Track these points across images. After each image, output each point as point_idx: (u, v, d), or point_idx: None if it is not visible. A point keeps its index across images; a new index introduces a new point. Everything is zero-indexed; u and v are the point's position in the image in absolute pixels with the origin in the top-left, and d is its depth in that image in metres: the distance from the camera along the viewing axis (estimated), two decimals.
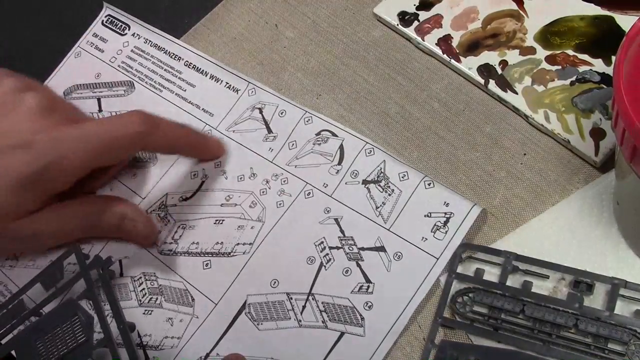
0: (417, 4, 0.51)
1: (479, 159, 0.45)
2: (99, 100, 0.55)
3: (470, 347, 0.39)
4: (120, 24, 0.58)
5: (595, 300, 0.38)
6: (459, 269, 0.40)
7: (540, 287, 0.39)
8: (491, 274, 0.40)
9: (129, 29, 0.57)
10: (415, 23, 0.50)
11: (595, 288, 0.38)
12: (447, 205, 0.42)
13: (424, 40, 0.49)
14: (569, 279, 0.38)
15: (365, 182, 0.45)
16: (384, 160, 0.45)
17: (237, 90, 0.51)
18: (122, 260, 0.48)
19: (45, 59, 0.59)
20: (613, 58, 0.44)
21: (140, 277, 0.47)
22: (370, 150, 0.46)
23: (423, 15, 0.50)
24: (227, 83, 0.52)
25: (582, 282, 0.38)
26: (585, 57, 0.45)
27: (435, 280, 0.40)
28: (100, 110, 0.55)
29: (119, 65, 0.56)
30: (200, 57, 0.54)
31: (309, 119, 0.48)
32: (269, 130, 0.49)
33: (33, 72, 0.60)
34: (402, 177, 0.44)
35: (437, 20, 0.49)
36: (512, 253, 0.39)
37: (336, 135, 0.47)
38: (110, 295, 0.40)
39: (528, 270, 0.39)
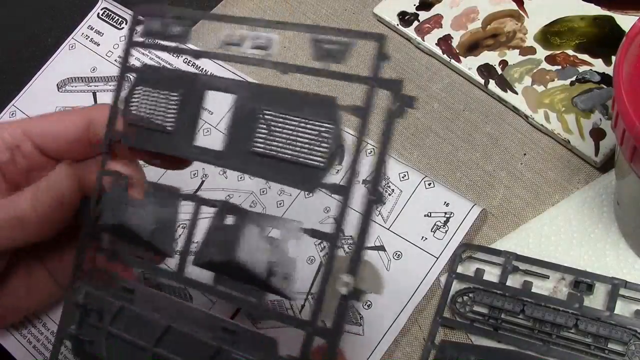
0: (417, 4, 0.51)
1: (479, 159, 0.45)
2: (94, 94, 0.55)
3: (470, 347, 0.39)
4: (117, 17, 0.57)
5: (595, 300, 0.38)
6: (459, 269, 0.40)
7: (541, 287, 0.39)
8: (491, 274, 0.40)
9: (125, 23, 0.57)
10: (415, 23, 0.50)
11: (595, 288, 0.38)
12: (447, 205, 0.42)
13: (424, 40, 0.49)
14: (569, 279, 0.38)
15: (365, 181, 0.45)
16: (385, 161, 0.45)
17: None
18: None
19: (39, 49, 0.59)
20: (613, 58, 0.44)
21: (139, 276, 0.47)
22: (371, 151, 0.46)
23: (423, 15, 0.50)
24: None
25: (582, 282, 0.38)
26: (585, 57, 0.45)
27: (434, 279, 0.40)
28: (95, 104, 0.55)
29: (115, 60, 0.56)
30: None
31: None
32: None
33: (26, 63, 0.60)
34: (403, 177, 0.44)
35: (437, 20, 0.49)
36: (512, 253, 0.39)
37: None
38: None
39: (528, 271, 0.39)
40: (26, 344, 0.47)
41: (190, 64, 0.53)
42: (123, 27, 0.57)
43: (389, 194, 0.44)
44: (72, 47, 0.57)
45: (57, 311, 0.48)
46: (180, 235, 0.33)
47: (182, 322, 0.30)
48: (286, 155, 0.29)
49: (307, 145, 0.29)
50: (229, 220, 0.31)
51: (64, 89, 0.56)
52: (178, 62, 0.53)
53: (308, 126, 0.29)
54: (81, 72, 0.56)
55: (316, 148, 0.29)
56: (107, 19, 0.57)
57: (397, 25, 0.50)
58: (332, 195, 0.31)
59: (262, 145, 0.29)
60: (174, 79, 0.33)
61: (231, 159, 0.30)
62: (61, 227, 0.35)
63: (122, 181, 0.33)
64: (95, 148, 0.36)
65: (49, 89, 0.57)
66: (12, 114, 0.57)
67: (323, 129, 0.29)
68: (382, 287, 0.31)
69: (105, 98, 0.54)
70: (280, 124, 0.29)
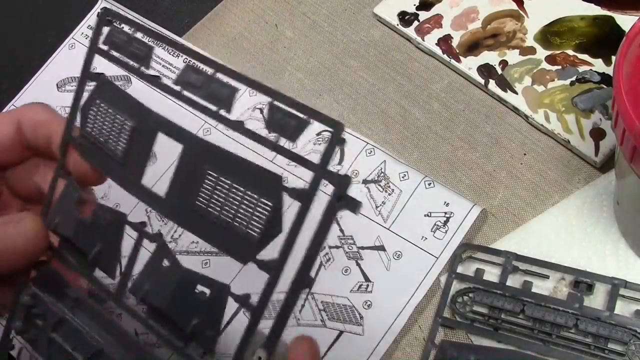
0: (417, 4, 0.51)
1: (479, 159, 0.45)
2: None
3: (470, 347, 0.39)
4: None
5: (596, 300, 0.38)
6: (459, 269, 0.40)
7: (541, 287, 0.39)
8: (491, 274, 0.40)
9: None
10: (415, 23, 0.50)
11: (595, 288, 0.38)
12: (447, 205, 0.42)
13: (424, 40, 0.49)
14: (569, 279, 0.38)
15: (365, 181, 0.45)
16: (385, 161, 0.45)
17: (237, 90, 0.51)
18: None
19: (38, 49, 0.59)
20: (613, 58, 0.44)
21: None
22: (371, 151, 0.46)
23: (423, 15, 0.50)
24: (227, 82, 0.52)
25: (582, 282, 0.38)
26: (585, 57, 0.45)
27: (434, 279, 0.40)
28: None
29: (115, 59, 0.55)
30: (199, 54, 0.53)
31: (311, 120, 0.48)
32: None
33: (25, 62, 0.60)
34: (403, 177, 0.44)
35: (437, 20, 0.49)
36: (512, 253, 0.39)
37: None
38: None
39: (528, 270, 0.39)
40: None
41: (190, 64, 0.53)
42: (123, 27, 0.56)
43: (389, 194, 0.44)
44: (71, 46, 0.57)
45: None
46: (122, 258, 0.33)
47: (114, 347, 0.32)
48: (224, 222, 0.29)
49: (245, 217, 0.29)
50: (165, 263, 0.31)
51: (63, 88, 0.56)
52: (178, 62, 0.53)
53: (248, 199, 0.29)
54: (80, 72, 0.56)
55: (253, 222, 0.29)
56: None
57: (397, 25, 0.50)
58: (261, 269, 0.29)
59: (203, 206, 0.30)
60: (131, 106, 0.33)
61: (173, 212, 0.31)
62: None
63: (73, 190, 0.33)
64: (25, 152, 0.35)
65: (48, 89, 0.57)
66: None
67: (262, 205, 0.29)
68: None
69: None
70: (223, 189, 0.29)
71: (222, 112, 0.32)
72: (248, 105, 0.50)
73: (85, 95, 0.34)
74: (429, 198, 0.43)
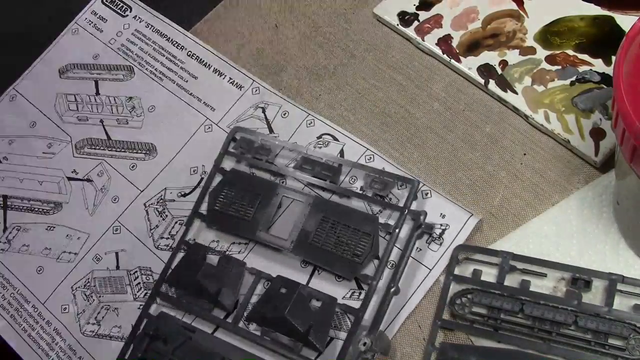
0: (417, 4, 0.51)
1: (479, 159, 0.45)
2: (96, 82, 0.54)
3: (470, 348, 0.39)
4: (121, 4, 0.56)
5: (594, 297, 0.38)
6: (456, 271, 0.40)
7: (539, 286, 0.39)
8: (489, 275, 0.40)
9: (130, 11, 0.56)
10: (415, 23, 0.50)
11: (593, 284, 0.38)
12: (444, 217, 0.42)
13: (424, 40, 0.49)
14: (568, 277, 0.38)
15: (363, 189, 0.44)
16: (383, 168, 0.45)
17: (240, 87, 0.51)
18: (118, 252, 0.48)
19: (41, 33, 0.58)
20: (613, 58, 0.44)
21: (136, 271, 0.47)
22: (370, 157, 0.45)
23: (423, 15, 0.50)
24: (230, 79, 0.52)
25: (580, 278, 0.38)
26: (585, 57, 0.45)
27: (427, 290, 0.40)
28: (97, 93, 0.54)
29: (118, 48, 0.55)
30: (204, 48, 0.53)
31: (312, 122, 0.48)
32: (271, 130, 0.49)
33: (27, 46, 0.59)
34: (400, 186, 0.44)
35: (437, 20, 0.49)
36: (509, 253, 0.39)
37: (337, 140, 0.47)
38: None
39: (526, 270, 0.39)
40: (21, 332, 0.47)
41: (194, 58, 0.53)
42: (127, 15, 0.56)
43: (388, 201, 0.43)
44: (75, 31, 0.56)
45: (52, 302, 0.48)
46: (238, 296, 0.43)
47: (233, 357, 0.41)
48: (334, 250, 0.41)
49: (351, 246, 0.41)
50: (282, 290, 0.41)
51: (65, 75, 0.55)
52: (182, 54, 0.53)
53: (354, 233, 0.41)
54: (83, 58, 0.55)
55: (357, 249, 0.41)
56: (110, 5, 0.56)
57: (397, 25, 0.50)
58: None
59: (318, 241, 0.42)
60: (258, 183, 0.45)
61: (295, 248, 0.42)
62: None
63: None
64: None
65: (50, 74, 0.56)
66: (13, 97, 0.56)
67: (363, 237, 0.41)
68: (389, 351, 0.39)
69: (108, 88, 0.53)
70: (334, 227, 0.42)
71: (331, 182, 0.44)
72: (250, 104, 0.50)
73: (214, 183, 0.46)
74: (425, 209, 0.42)
